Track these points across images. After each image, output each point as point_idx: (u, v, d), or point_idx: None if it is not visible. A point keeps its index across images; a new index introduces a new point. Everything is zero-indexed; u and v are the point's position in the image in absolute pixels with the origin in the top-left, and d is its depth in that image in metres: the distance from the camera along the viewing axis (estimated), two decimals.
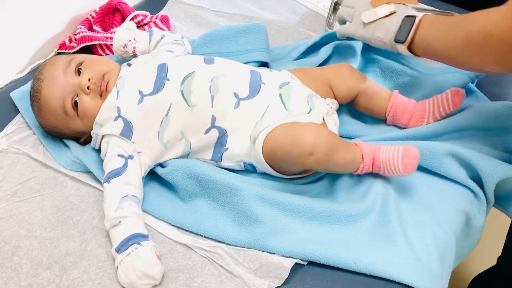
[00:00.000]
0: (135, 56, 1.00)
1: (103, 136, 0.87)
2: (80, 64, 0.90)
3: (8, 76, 1.10)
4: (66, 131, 0.92)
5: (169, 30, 1.20)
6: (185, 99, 0.86)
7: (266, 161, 0.83)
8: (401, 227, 0.79)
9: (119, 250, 0.74)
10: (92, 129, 0.89)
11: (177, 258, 0.78)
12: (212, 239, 0.80)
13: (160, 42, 1.01)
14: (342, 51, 1.07)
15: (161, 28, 1.17)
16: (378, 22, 0.91)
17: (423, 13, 0.85)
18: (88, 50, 1.14)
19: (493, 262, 1.18)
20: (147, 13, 1.21)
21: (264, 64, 1.08)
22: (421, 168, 0.87)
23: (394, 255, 0.75)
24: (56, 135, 0.94)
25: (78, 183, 0.89)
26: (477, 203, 0.86)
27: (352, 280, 0.75)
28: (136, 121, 0.86)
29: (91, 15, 1.19)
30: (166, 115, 0.86)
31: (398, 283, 0.73)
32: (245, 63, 1.03)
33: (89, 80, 0.87)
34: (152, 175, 0.89)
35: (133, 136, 0.85)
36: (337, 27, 1.20)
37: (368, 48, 1.09)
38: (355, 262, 0.74)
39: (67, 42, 1.16)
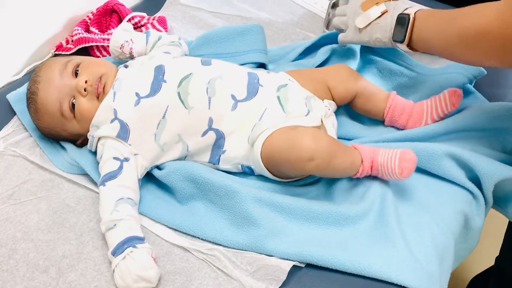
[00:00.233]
0: (132, 57, 1.00)
1: (99, 139, 0.87)
2: (77, 66, 0.90)
3: (5, 78, 1.09)
4: (63, 133, 0.91)
5: (166, 31, 1.20)
6: (182, 101, 0.85)
7: (264, 165, 0.83)
8: (399, 229, 0.78)
9: (114, 253, 0.74)
10: (89, 131, 0.89)
11: (174, 260, 0.78)
12: (210, 242, 0.80)
13: (157, 43, 1.01)
14: (340, 52, 1.06)
15: (158, 30, 1.17)
16: (372, 24, 0.91)
17: (415, 9, 0.85)
18: (85, 51, 1.14)
19: (492, 262, 1.18)
20: (144, 14, 1.21)
21: (261, 65, 1.07)
22: (420, 170, 0.87)
23: (392, 257, 0.75)
24: (52, 137, 0.94)
25: (75, 185, 0.89)
26: (475, 204, 0.86)
27: (351, 282, 0.74)
28: (133, 123, 0.85)
29: (88, 16, 1.19)
30: (163, 117, 0.85)
31: (397, 285, 0.73)
32: (243, 64, 1.03)
33: (86, 82, 0.87)
34: (149, 178, 0.88)
35: (130, 138, 0.85)
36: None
37: (366, 49, 1.09)
38: (353, 264, 0.74)
39: (64, 44, 1.16)
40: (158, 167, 0.88)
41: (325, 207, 0.80)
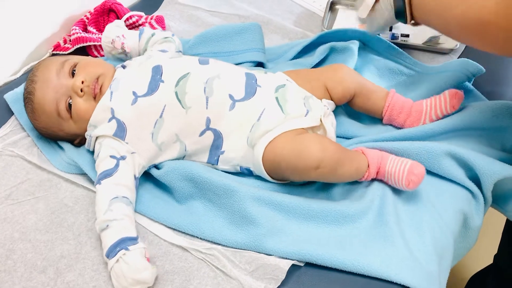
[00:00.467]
0: (124, 52, 1.00)
1: (96, 138, 0.86)
2: (74, 65, 0.90)
3: (2, 77, 1.09)
4: (60, 133, 0.91)
5: (164, 30, 1.19)
6: (179, 101, 0.85)
7: (265, 169, 0.83)
8: (399, 228, 0.78)
9: (108, 256, 0.73)
10: (85, 131, 0.89)
11: (173, 260, 0.78)
12: (208, 241, 0.79)
13: (151, 40, 1.01)
14: (339, 51, 1.06)
15: (155, 29, 1.16)
16: (374, 10, 0.91)
17: None
18: (83, 51, 1.13)
19: (490, 260, 1.18)
20: (142, 13, 1.20)
21: (259, 64, 1.07)
22: None
23: (392, 256, 0.75)
24: (50, 137, 0.94)
25: (73, 185, 0.89)
26: (475, 203, 0.85)
27: (350, 281, 0.74)
28: (130, 122, 0.85)
29: (85, 16, 1.18)
30: (160, 116, 0.85)
31: (396, 284, 0.73)
32: (241, 63, 1.03)
33: (82, 82, 0.87)
34: (148, 177, 0.88)
35: (127, 137, 0.85)
36: (335, 27, 1.21)
37: (364, 48, 1.09)
38: (352, 263, 0.74)
39: (62, 43, 1.15)
40: (156, 167, 0.88)
41: (324, 206, 0.80)
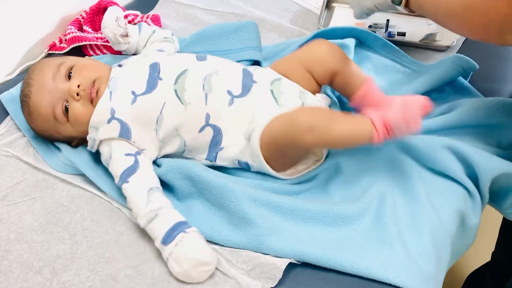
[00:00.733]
0: (127, 35, 0.99)
1: (101, 141, 0.86)
2: (71, 68, 0.89)
3: None
4: (57, 136, 0.91)
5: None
6: (178, 98, 0.85)
7: (264, 157, 0.82)
8: (397, 230, 0.78)
9: (165, 242, 0.73)
10: (83, 134, 0.88)
11: None
12: (206, 240, 0.79)
13: (152, 37, 1.01)
14: None
15: None
16: None
17: None
18: (79, 50, 1.13)
19: (488, 258, 1.18)
20: (138, 12, 1.20)
21: (256, 63, 1.07)
22: (419, 164, 0.87)
23: (390, 259, 0.74)
24: (47, 139, 0.93)
25: (69, 185, 0.88)
26: (471, 202, 0.85)
27: (347, 281, 0.74)
28: (132, 122, 0.85)
29: (81, 15, 1.18)
30: (160, 113, 0.85)
31: (395, 286, 0.72)
32: (237, 61, 1.02)
33: (78, 86, 0.86)
34: None
35: (132, 136, 0.85)
36: (331, 25, 1.21)
37: (361, 45, 1.09)
38: (351, 265, 0.73)
39: (57, 43, 1.15)
40: (156, 164, 0.88)
41: (322, 207, 0.79)
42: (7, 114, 0.99)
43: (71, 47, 1.12)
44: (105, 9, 1.18)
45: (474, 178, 0.85)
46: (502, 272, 1.10)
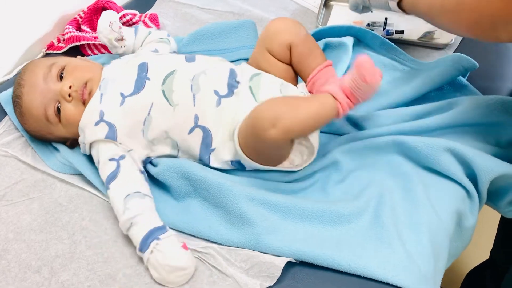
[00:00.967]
0: (122, 39, 0.99)
1: (91, 144, 0.86)
2: (62, 69, 0.89)
3: None
4: (49, 136, 0.91)
5: (158, 28, 1.19)
6: (166, 99, 0.85)
7: (246, 155, 0.81)
8: (396, 229, 0.77)
9: (141, 250, 0.74)
10: (75, 135, 0.89)
11: None
12: (204, 239, 0.79)
13: (147, 38, 1.01)
14: (333, 47, 1.06)
15: (150, 27, 1.16)
16: None
17: None
18: (77, 50, 1.13)
19: (487, 256, 1.18)
20: (136, 12, 1.20)
21: None
22: (418, 165, 0.86)
23: (388, 258, 0.74)
24: (40, 139, 0.93)
25: (68, 185, 0.88)
26: (469, 202, 0.85)
27: (346, 280, 0.74)
28: (119, 123, 0.85)
29: (79, 15, 1.18)
30: (148, 114, 0.85)
31: (393, 285, 0.72)
32: (235, 60, 1.03)
33: (70, 87, 0.86)
34: None
35: (118, 137, 0.84)
36: (329, 23, 1.20)
37: (359, 44, 1.09)
38: (349, 264, 0.73)
39: (55, 43, 1.15)
40: (152, 163, 0.88)
41: (320, 206, 0.79)
42: (5, 114, 0.99)
43: (69, 46, 1.12)
44: (103, 9, 1.18)
45: (473, 178, 0.85)
46: (500, 269, 1.10)
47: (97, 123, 0.85)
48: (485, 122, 0.90)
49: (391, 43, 1.06)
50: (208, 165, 0.87)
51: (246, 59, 1.04)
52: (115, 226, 0.81)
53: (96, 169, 0.87)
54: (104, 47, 1.13)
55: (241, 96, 0.86)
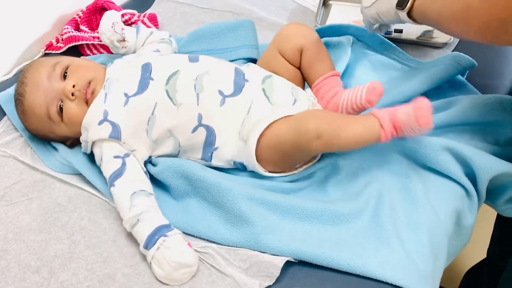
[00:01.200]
0: (124, 40, 0.99)
1: (93, 142, 0.86)
2: (66, 68, 0.89)
3: None
4: (51, 135, 0.91)
5: (157, 28, 1.19)
6: (170, 98, 0.85)
7: (258, 160, 0.83)
8: (395, 229, 0.77)
9: (147, 246, 0.74)
10: (77, 134, 0.88)
11: None
12: (203, 239, 0.79)
13: (149, 38, 1.01)
14: (332, 46, 1.06)
15: (149, 27, 1.16)
16: (378, 1, 0.92)
17: None
18: (76, 50, 1.13)
19: (485, 255, 1.19)
20: (135, 11, 1.20)
21: (253, 61, 1.07)
22: (417, 164, 0.86)
23: (388, 257, 0.74)
24: (41, 138, 0.93)
25: (67, 185, 0.88)
26: (468, 201, 0.85)
27: (345, 279, 0.74)
28: (123, 123, 0.85)
29: (78, 14, 1.18)
30: (152, 114, 0.85)
31: (392, 284, 0.72)
32: (234, 60, 1.02)
33: (74, 86, 0.86)
34: None
35: (122, 137, 0.85)
36: (328, 22, 1.20)
37: (358, 43, 1.09)
38: (348, 263, 0.73)
39: (54, 43, 1.15)
40: (152, 163, 0.88)
41: (319, 205, 0.79)
42: (4, 114, 0.99)
43: (67, 46, 1.12)
44: (101, 9, 1.18)
45: (472, 177, 0.85)
46: (497, 268, 1.10)
47: (100, 123, 0.85)
48: (484, 121, 0.90)
49: (390, 42, 1.06)
50: (209, 164, 0.87)
51: (246, 59, 1.04)
52: (114, 226, 0.81)
53: (96, 169, 0.87)
54: (103, 47, 1.13)
55: (251, 97, 0.86)
